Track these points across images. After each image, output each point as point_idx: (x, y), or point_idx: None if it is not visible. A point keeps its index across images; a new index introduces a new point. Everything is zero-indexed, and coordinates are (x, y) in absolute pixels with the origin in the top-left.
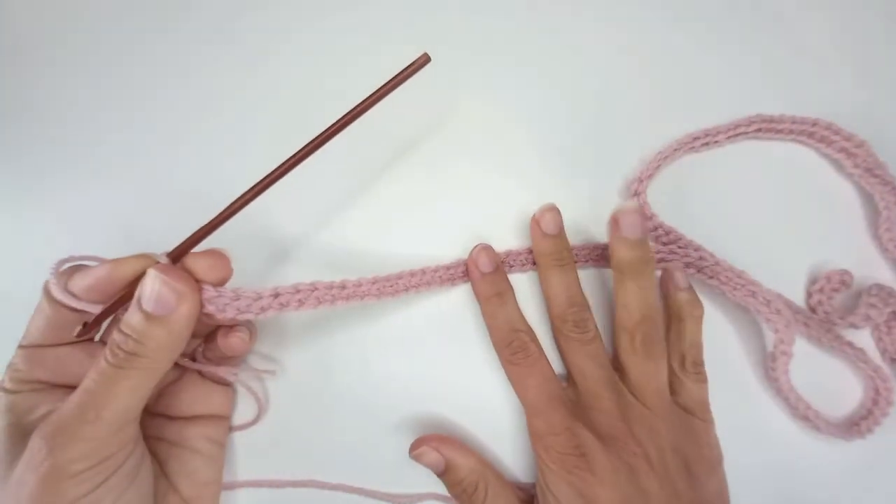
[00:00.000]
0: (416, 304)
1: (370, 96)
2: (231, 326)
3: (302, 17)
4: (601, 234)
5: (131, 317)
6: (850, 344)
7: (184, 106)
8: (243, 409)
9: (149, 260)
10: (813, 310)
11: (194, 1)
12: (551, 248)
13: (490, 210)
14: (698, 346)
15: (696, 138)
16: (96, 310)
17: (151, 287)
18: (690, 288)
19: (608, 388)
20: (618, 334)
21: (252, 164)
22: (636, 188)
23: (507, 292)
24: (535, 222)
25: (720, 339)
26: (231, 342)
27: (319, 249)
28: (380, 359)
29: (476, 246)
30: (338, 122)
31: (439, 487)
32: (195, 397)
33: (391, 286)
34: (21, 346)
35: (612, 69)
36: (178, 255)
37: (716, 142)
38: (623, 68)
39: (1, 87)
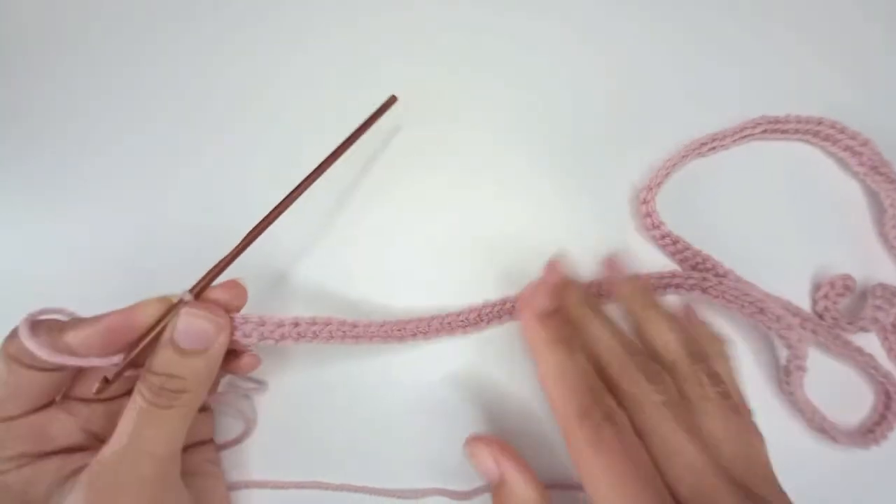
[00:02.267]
0: (421, 310)
1: (344, 142)
2: (239, 350)
3: (295, 53)
4: (610, 246)
5: (166, 357)
6: (859, 350)
7: (175, 142)
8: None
9: (167, 301)
10: (820, 316)
11: (201, 35)
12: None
13: (498, 223)
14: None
15: (703, 143)
16: (87, 363)
17: (189, 324)
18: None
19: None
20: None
21: (246, 198)
22: (645, 196)
23: (573, 338)
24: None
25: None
26: (244, 362)
27: (316, 282)
28: (381, 358)
29: (531, 284)
30: (317, 168)
31: (443, 483)
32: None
33: (398, 331)
34: None
35: (616, 76)
36: (199, 291)
37: (723, 145)
38: (627, 75)
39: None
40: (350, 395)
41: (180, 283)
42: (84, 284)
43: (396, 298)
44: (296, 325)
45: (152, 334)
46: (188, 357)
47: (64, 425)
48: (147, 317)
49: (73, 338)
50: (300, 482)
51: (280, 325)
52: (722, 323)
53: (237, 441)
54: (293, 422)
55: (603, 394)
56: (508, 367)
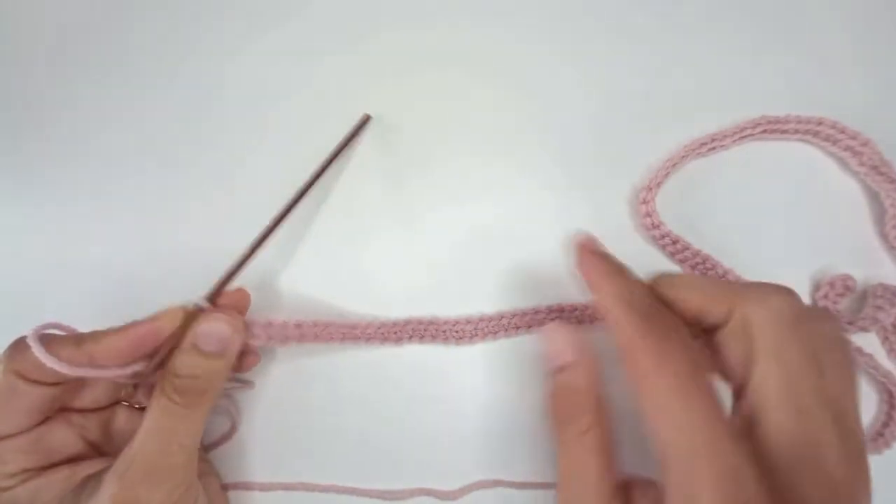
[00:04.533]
0: (405, 308)
1: (323, 164)
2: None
3: (299, 67)
4: (610, 246)
5: (190, 359)
6: (859, 350)
7: (173, 154)
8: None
9: (185, 309)
10: None
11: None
12: None
13: (497, 224)
14: None
15: (703, 143)
16: (110, 374)
17: (210, 328)
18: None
19: None
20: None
21: (244, 208)
22: (644, 196)
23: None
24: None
25: None
26: (248, 360)
27: (306, 291)
28: (369, 359)
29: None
30: (302, 188)
31: (430, 483)
32: None
33: (395, 334)
34: None
35: (615, 76)
36: (214, 297)
37: (722, 146)
38: (627, 75)
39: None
40: (336, 396)
41: (178, 295)
42: (78, 297)
43: (394, 298)
44: (298, 326)
45: (172, 341)
46: (209, 359)
47: (64, 437)
48: (172, 324)
49: (95, 349)
50: (286, 483)
51: (284, 326)
52: None
53: (224, 440)
54: (279, 423)
55: (661, 310)
56: (495, 370)
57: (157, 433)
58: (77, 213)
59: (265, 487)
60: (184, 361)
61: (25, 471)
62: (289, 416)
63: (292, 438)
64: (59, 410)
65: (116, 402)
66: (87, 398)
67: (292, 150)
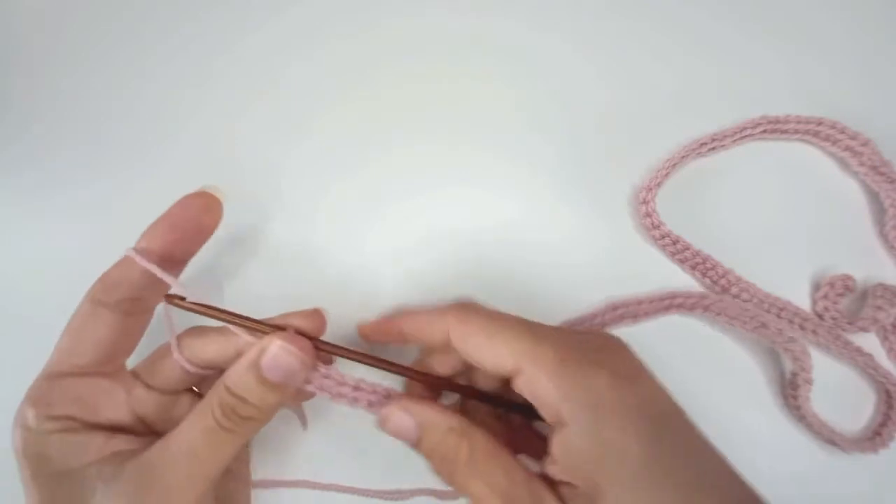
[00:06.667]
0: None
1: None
2: None
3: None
4: (610, 246)
5: (247, 381)
6: (859, 350)
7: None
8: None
9: (208, 194)
10: (820, 316)
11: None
12: None
13: (497, 223)
14: None
15: (703, 143)
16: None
17: (279, 357)
18: None
19: None
20: None
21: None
22: (644, 196)
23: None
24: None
25: (739, 362)
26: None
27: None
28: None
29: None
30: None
31: (431, 483)
32: None
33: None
34: (54, 375)
35: (616, 76)
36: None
37: (722, 146)
38: (627, 75)
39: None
40: None
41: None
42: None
43: (390, 296)
44: (357, 388)
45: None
46: (268, 389)
47: (115, 400)
48: (202, 203)
49: (143, 244)
50: (288, 481)
51: (341, 384)
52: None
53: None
54: (281, 422)
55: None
56: None
57: (183, 450)
58: (79, 216)
59: (266, 485)
60: (239, 380)
61: (69, 418)
62: (290, 415)
63: (294, 437)
64: (128, 376)
65: (183, 390)
66: (160, 376)
67: (290, 150)
